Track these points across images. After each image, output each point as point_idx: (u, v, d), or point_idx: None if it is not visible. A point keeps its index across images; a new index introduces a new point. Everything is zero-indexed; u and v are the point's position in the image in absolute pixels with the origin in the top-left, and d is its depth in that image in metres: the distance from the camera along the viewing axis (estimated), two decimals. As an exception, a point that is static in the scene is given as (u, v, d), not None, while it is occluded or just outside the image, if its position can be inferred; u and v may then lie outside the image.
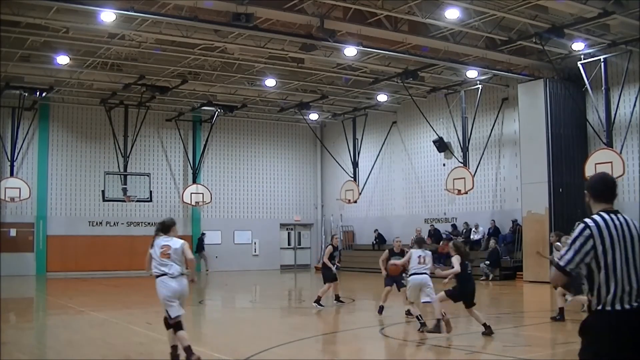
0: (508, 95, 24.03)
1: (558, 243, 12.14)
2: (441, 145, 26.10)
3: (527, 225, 21.63)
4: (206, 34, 18.65)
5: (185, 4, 16.19)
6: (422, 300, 10.79)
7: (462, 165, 24.49)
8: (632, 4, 16.49)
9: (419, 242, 11.47)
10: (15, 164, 25.72)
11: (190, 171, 29.76)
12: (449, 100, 25.20)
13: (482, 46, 19.74)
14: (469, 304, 10.06)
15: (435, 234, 25.73)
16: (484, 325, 10.01)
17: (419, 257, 10.93)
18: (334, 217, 31.81)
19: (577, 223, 3.96)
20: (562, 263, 3.74)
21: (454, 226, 25.49)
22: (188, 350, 7.58)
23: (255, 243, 31.16)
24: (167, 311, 7.67)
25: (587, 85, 20.26)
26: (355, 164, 29.94)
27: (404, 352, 9.91)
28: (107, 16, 16.27)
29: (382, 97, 26.93)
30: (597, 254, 3.66)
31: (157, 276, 7.67)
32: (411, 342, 10.26)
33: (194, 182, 29.35)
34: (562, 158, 21.12)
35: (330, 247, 15.34)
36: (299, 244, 32.98)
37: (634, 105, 19.79)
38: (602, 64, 19.87)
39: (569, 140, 21.37)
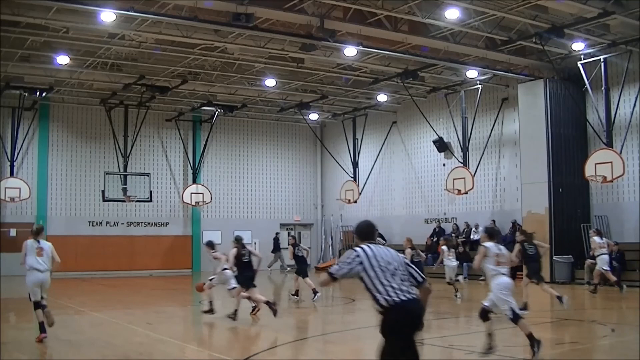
0: (508, 95, 24.02)
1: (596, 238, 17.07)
2: (441, 145, 26.09)
3: (527, 225, 21.55)
4: (206, 34, 18.64)
5: (185, 4, 16.19)
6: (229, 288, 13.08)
7: (462, 165, 24.49)
8: (632, 4, 16.50)
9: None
10: (15, 164, 25.71)
11: (190, 171, 29.77)
12: (449, 100, 25.19)
13: (482, 46, 19.73)
14: (247, 286, 12.51)
15: (439, 233, 25.65)
16: (268, 303, 12.06)
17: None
18: (334, 217, 31.82)
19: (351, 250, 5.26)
20: (332, 271, 5.13)
21: (455, 226, 25.46)
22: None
23: (255, 243, 31.09)
24: (30, 294, 9.87)
25: (587, 85, 20.26)
26: (355, 164, 29.94)
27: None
28: (107, 16, 16.26)
29: (382, 97, 26.92)
30: (365, 267, 5.02)
31: (29, 269, 9.81)
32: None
33: (194, 182, 29.35)
34: (562, 158, 21.13)
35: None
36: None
37: (634, 105, 19.79)
38: (602, 64, 19.86)
39: (569, 140, 21.37)
